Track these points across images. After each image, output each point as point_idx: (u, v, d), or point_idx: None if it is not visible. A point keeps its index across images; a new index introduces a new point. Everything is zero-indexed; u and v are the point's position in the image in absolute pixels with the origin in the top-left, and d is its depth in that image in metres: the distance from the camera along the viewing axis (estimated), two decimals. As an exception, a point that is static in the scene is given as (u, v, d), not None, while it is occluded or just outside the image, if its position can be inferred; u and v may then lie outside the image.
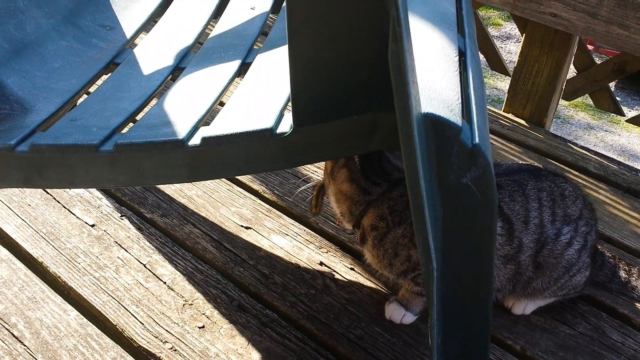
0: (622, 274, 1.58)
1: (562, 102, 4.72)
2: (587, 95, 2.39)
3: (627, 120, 2.26)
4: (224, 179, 1.88)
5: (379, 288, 1.56)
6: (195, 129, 1.16)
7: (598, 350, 1.45)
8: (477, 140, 1.02)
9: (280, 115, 1.15)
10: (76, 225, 1.66)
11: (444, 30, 1.27)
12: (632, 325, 1.52)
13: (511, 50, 5.30)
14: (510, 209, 1.37)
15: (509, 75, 2.39)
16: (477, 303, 1.16)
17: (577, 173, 2.07)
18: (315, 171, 1.95)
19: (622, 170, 2.10)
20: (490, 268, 1.13)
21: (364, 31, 0.99)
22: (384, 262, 1.38)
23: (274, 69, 1.36)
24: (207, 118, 1.22)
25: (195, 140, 1.13)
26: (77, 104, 1.40)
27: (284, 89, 1.23)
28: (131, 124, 1.25)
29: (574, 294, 1.51)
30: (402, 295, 1.45)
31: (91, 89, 1.42)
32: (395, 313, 1.46)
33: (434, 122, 1.01)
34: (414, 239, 1.31)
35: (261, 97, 1.25)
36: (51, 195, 1.75)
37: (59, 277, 1.51)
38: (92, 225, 1.67)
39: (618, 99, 4.91)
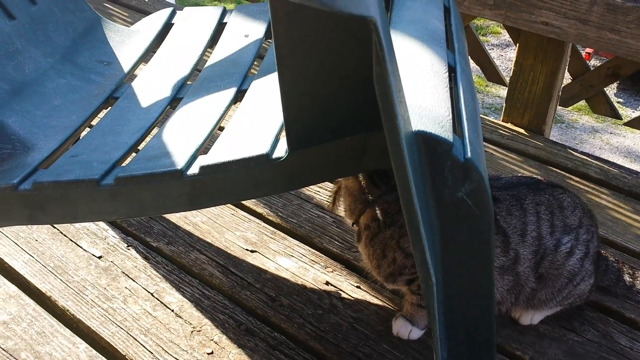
0: (627, 277, 1.58)
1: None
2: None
3: (624, 124, 2.27)
4: (228, 204, 1.90)
5: (386, 305, 1.57)
6: (193, 158, 1.19)
7: (607, 357, 1.45)
8: (469, 154, 1.04)
9: (276, 141, 1.18)
10: (83, 257, 1.68)
11: (433, 48, 1.29)
12: (640, 329, 1.52)
13: (511, 58, 5.30)
14: (507, 223, 1.38)
15: (506, 85, 2.41)
16: (480, 315, 1.17)
17: (578, 179, 2.08)
18: (318, 191, 1.96)
19: (623, 174, 2.10)
20: (491, 279, 1.14)
21: (349, 56, 1.01)
22: (373, 262, 1.40)
23: (268, 94, 1.38)
24: (207, 145, 1.24)
25: (194, 170, 1.15)
26: (78, 139, 1.43)
27: (279, 114, 1.25)
28: (133, 156, 1.27)
29: (579, 302, 1.51)
30: (406, 310, 1.46)
31: (93, 122, 1.45)
32: (402, 329, 1.47)
33: (425, 139, 1.03)
34: (400, 241, 1.33)
35: (257, 123, 1.28)
36: (58, 230, 1.77)
37: (68, 310, 1.53)
38: (99, 257, 1.69)
39: (621, 100, 4.92)
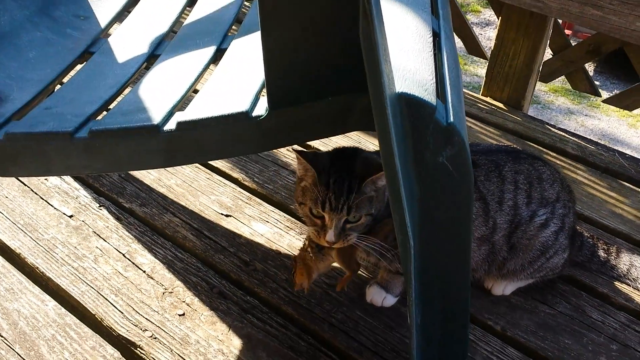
0: (601, 253, 1.59)
1: (542, 87, 4.75)
2: (567, 80, 2.40)
3: (603, 101, 2.28)
4: (203, 168, 1.87)
5: (360, 272, 1.56)
6: (170, 114, 1.16)
7: (578, 330, 1.46)
8: (451, 119, 1.03)
9: (256, 99, 1.15)
10: (54, 216, 1.65)
11: (417, 12, 1.27)
12: (612, 304, 1.53)
13: (490, 37, 5.32)
14: (486, 188, 1.37)
15: (486, 59, 2.40)
16: (456, 281, 1.17)
17: (555, 154, 2.09)
18: (295, 159, 1.94)
19: (599, 151, 2.12)
20: (468, 246, 1.13)
21: (335, 14, 0.99)
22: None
23: (249, 53, 1.35)
24: (183, 104, 1.21)
25: (171, 125, 1.13)
26: (52, 92, 1.39)
27: (259, 73, 1.23)
28: (108, 110, 1.24)
29: (552, 275, 1.52)
30: (382, 277, 1.45)
31: (66, 79, 1.41)
32: (376, 296, 1.46)
33: (408, 102, 1.01)
34: None
35: (236, 81, 1.25)
36: (28, 187, 1.73)
37: (37, 267, 1.50)
38: (70, 216, 1.65)
39: (597, 83, 4.95)
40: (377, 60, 0.87)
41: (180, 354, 1.32)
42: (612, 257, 1.59)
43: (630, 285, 1.57)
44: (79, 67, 1.44)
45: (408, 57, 1.11)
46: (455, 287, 1.18)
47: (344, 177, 1.24)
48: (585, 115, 4.61)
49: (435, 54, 1.19)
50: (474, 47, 2.46)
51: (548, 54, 2.34)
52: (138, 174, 1.82)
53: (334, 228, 1.25)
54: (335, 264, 1.40)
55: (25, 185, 1.74)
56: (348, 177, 1.24)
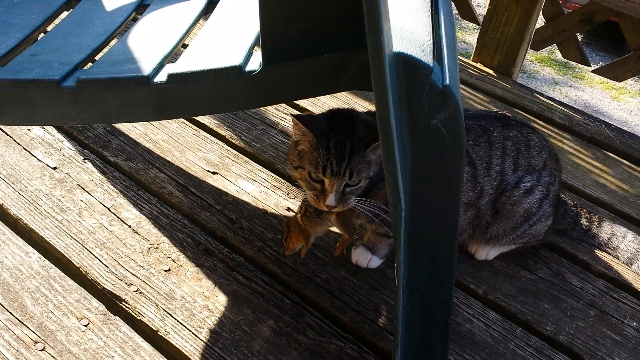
0: (584, 222, 1.61)
1: (528, 56, 4.74)
2: (553, 50, 2.39)
3: (592, 71, 2.28)
4: (189, 124, 1.85)
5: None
6: (160, 65, 1.14)
7: (558, 295, 1.48)
8: (447, 81, 1.02)
9: (249, 54, 1.13)
10: (37, 167, 1.62)
11: (416, -29, 1.25)
12: (591, 271, 1.55)
13: (480, 4, 5.29)
14: (475, 153, 1.37)
15: (479, 24, 2.38)
16: (444, 244, 1.17)
17: (542, 123, 2.09)
18: (284, 118, 1.93)
19: (586, 121, 2.12)
20: (457, 209, 1.13)
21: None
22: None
23: (242, 7, 1.33)
24: (172, 57, 1.19)
25: (161, 77, 1.10)
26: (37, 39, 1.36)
27: (253, 27, 1.20)
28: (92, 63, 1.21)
29: (535, 242, 1.53)
30: (368, 239, 1.46)
31: (51, 26, 1.38)
32: (362, 257, 1.46)
33: (405, 62, 1.00)
34: None
35: (229, 35, 1.23)
36: (11, 137, 1.70)
37: (20, 219, 1.48)
38: (54, 168, 1.63)
39: (583, 55, 4.96)
40: (377, 17, 0.85)
41: (166, 309, 1.32)
42: (594, 226, 1.61)
43: (610, 254, 1.59)
44: (65, 14, 1.40)
45: (406, 16, 1.09)
46: (443, 250, 1.18)
47: (345, 141, 1.21)
48: (570, 86, 4.62)
49: (432, 15, 1.17)
50: (467, 12, 2.44)
51: (540, 20, 2.33)
52: (124, 127, 1.80)
53: (335, 193, 1.22)
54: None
55: (7, 135, 1.71)
56: (349, 140, 1.21)
